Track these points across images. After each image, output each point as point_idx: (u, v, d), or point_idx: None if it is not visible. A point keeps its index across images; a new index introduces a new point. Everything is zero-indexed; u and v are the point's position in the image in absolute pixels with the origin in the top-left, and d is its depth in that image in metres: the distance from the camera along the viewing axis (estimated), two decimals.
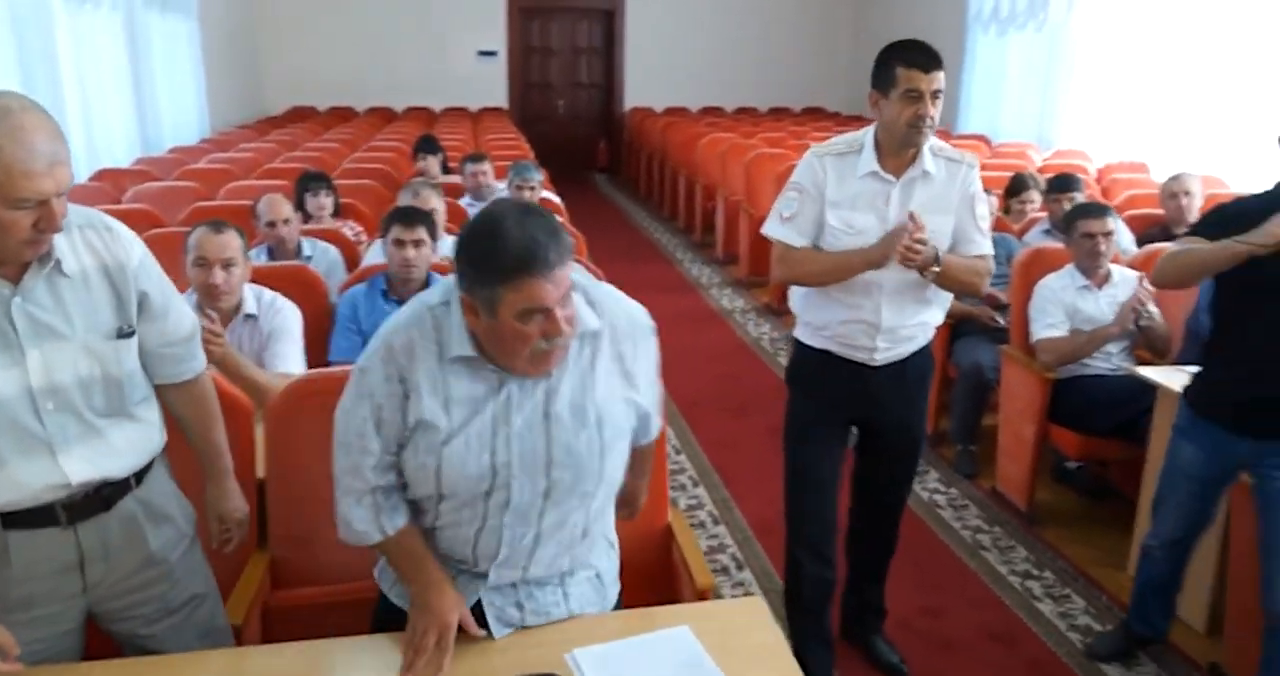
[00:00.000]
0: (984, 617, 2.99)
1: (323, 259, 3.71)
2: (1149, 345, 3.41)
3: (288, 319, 2.75)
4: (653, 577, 2.21)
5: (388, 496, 1.56)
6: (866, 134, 2.36)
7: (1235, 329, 2.33)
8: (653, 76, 12.07)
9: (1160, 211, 4.49)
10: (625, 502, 1.82)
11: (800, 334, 2.54)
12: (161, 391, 1.73)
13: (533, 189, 4.51)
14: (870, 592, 2.77)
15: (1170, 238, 4.19)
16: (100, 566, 1.62)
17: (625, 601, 1.76)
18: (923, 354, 2.52)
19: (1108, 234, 3.42)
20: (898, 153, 2.30)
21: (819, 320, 2.44)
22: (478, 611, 1.59)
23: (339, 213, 4.55)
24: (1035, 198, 4.75)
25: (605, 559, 1.72)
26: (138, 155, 6.94)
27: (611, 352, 1.53)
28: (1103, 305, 3.42)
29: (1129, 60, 7.26)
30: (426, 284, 3.12)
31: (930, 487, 3.87)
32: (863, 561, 2.75)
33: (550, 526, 1.55)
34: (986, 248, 2.42)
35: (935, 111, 2.24)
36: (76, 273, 1.52)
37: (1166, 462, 2.55)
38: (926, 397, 2.64)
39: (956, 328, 4.08)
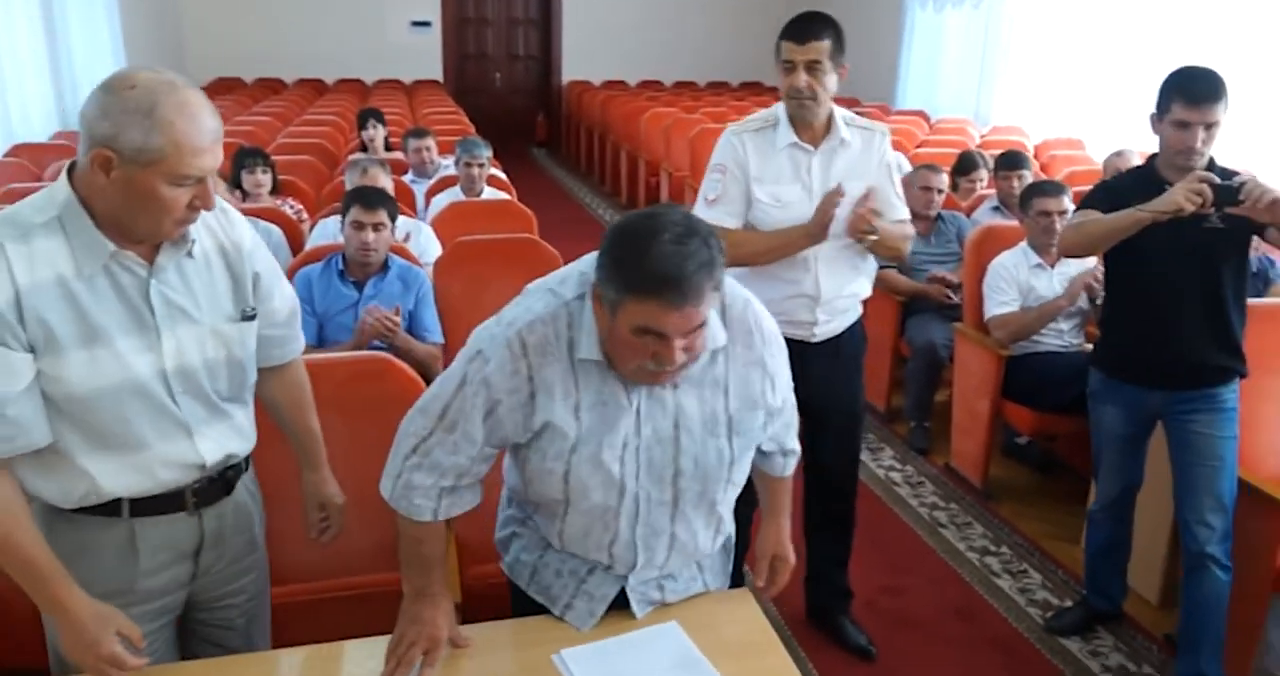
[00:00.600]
0: (945, 594, 3.02)
1: (265, 239, 3.56)
2: (1098, 320, 3.46)
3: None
4: None
5: (465, 486, 1.51)
6: (779, 108, 2.42)
7: (1128, 293, 2.49)
8: (591, 49, 11.91)
9: None
10: (772, 556, 1.74)
11: None
12: (260, 376, 1.65)
13: (481, 166, 4.40)
14: (835, 576, 2.77)
15: None
16: (212, 553, 1.60)
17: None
18: (855, 329, 2.58)
19: (1063, 212, 3.45)
20: (809, 124, 2.37)
21: (759, 299, 2.36)
22: (619, 597, 1.57)
23: (277, 190, 4.38)
24: (984, 176, 4.79)
25: (731, 524, 1.67)
26: (55, 129, 6.62)
27: (747, 359, 1.49)
28: (1055, 284, 3.46)
29: (1062, 37, 7.37)
30: (385, 266, 3.02)
31: (886, 464, 3.90)
32: (824, 547, 2.75)
33: (683, 531, 1.54)
34: (905, 212, 2.53)
35: (816, 82, 2.29)
36: (200, 255, 1.49)
37: (1094, 429, 2.66)
38: (862, 374, 2.68)
39: (910, 306, 4.11)
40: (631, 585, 1.57)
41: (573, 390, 1.42)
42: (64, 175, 1.40)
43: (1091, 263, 3.41)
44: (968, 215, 4.47)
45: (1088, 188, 4.76)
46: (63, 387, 1.37)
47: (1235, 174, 2.24)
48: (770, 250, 2.37)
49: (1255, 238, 2.35)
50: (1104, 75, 6.97)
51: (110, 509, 1.47)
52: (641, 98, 10.08)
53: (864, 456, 3.83)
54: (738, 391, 1.49)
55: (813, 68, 2.29)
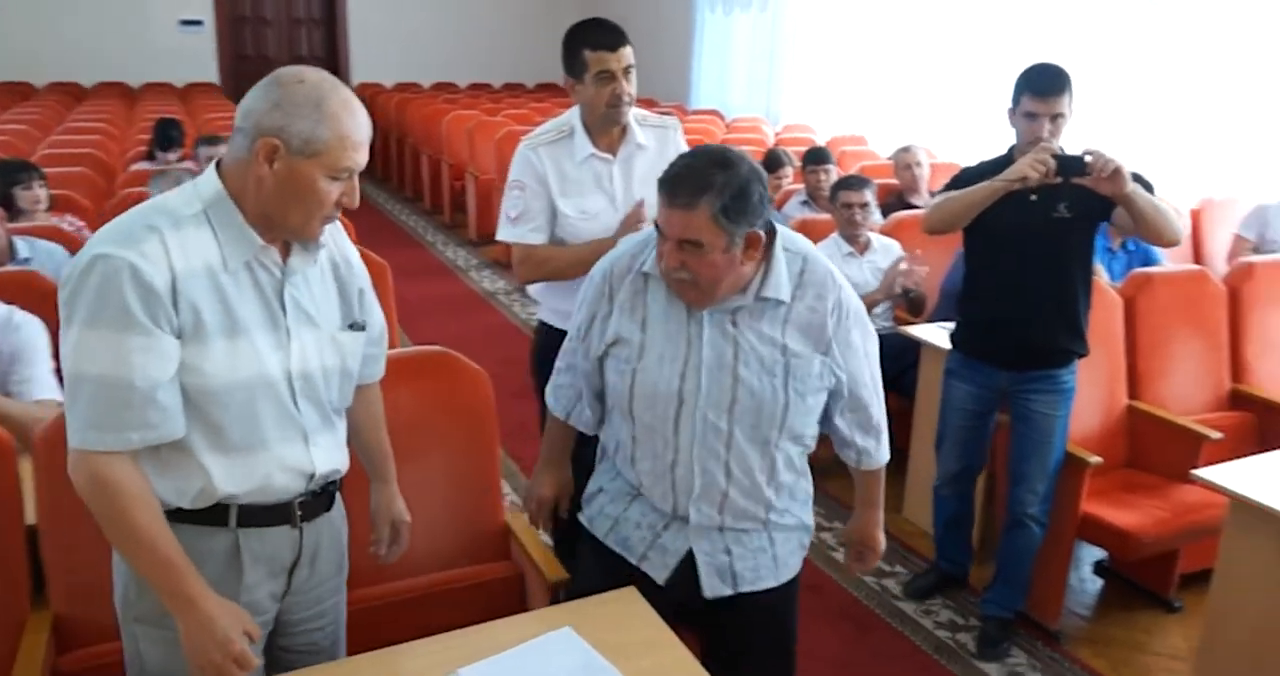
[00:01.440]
0: None
1: (48, 260, 3.22)
2: (909, 306, 3.73)
3: (32, 335, 2.37)
4: (495, 583, 2.12)
5: (586, 402, 1.83)
6: (573, 116, 2.39)
7: (984, 278, 2.67)
8: (380, 50, 11.55)
9: (894, 181, 4.90)
10: (860, 544, 1.95)
11: (547, 317, 2.49)
12: None
13: None
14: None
15: (907, 205, 4.62)
16: (306, 569, 1.57)
17: (473, 616, 1.66)
18: None
19: (864, 204, 3.70)
20: (607, 131, 2.37)
21: (566, 306, 2.32)
22: (690, 569, 1.70)
23: (52, 206, 3.98)
24: (790, 173, 5.02)
25: (807, 515, 1.81)
26: None
27: (809, 319, 1.63)
28: (865, 271, 3.70)
29: (842, 39, 7.86)
30: None
31: None
32: None
33: (739, 468, 1.65)
34: None
35: (631, 87, 2.31)
36: (317, 263, 1.51)
37: (943, 404, 2.85)
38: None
39: None
40: (696, 535, 1.69)
41: (640, 305, 1.66)
42: (213, 173, 1.42)
43: (898, 252, 3.66)
44: (778, 210, 4.69)
45: (880, 182, 5.13)
46: (201, 379, 1.37)
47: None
48: (578, 264, 2.23)
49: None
50: (881, 76, 7.50)
51: (218, 517, 1.45)
52: (438, 100, 9.87)
53: None
54: (795, 341, 1.62)
55: (629, 72, 2.31)
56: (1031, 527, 2.68)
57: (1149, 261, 3.71)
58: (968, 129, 6.68)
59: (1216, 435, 2.88)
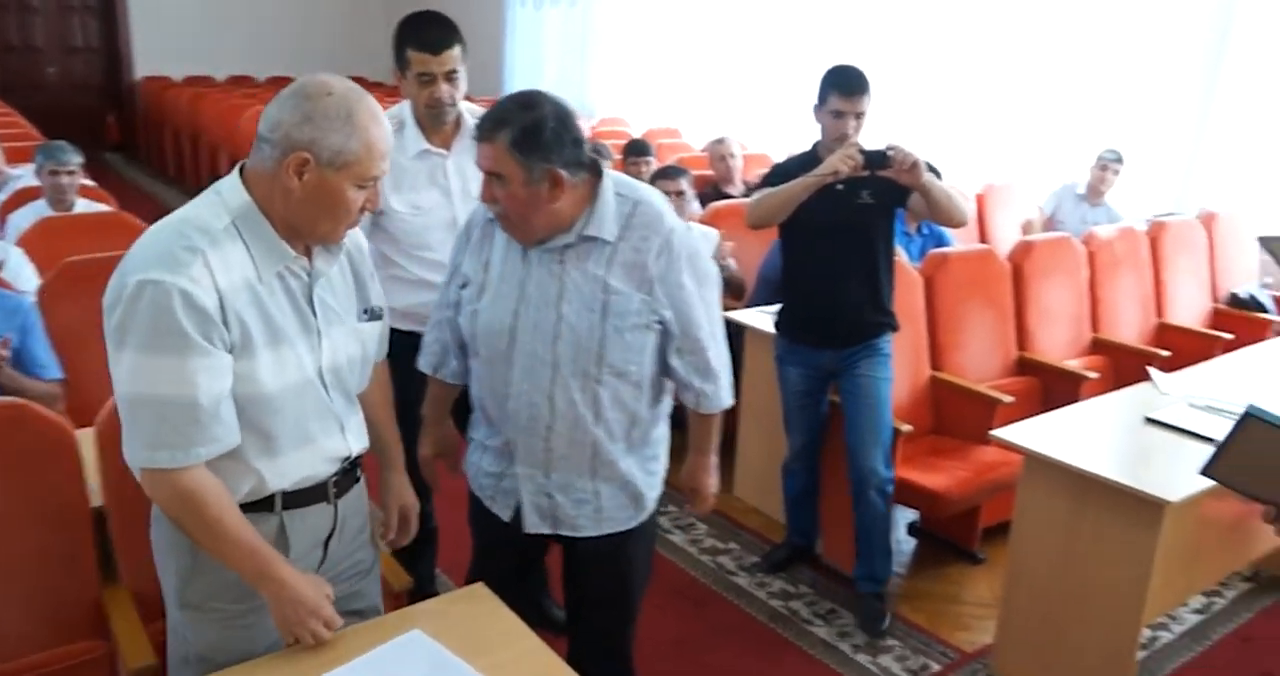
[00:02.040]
0: None
1: None
2: (730, 292, 3.86)
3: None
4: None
5: (453, 352, 1.92)
6: (404, 110, 2.37)
7: (800, 265, 2.83)
8: (167, 41, 10.75)
9: (710, 172, 5.05)
10: (689, 488, 2.03)
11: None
12: None
13: (71, 174, 3.84)
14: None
15: (722, 196, 4.76)
16: (338, 540, 1.63)
17: None
18: None
19: (680, 193, 3.81)
20: (439, 128, 2.36)
21: (402, 305, 2.32)
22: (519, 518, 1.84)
23: None
24: (608, 166, 5.07)
25: (643, 474, 1.87)
26: None
27: (634, 258, 1.71)
28: None
29: (654, 33, 8.01)
30: None
31: None
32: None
33: (562, 399, 1.74)
34: None
35: (457, 88, 2.30)
36: (338, 256, 1.55)
37: (781, 388, 2.98)
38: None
39: None
40: (524, 482, 1.81)
41: (486, 248, 1.79)
42: (236, 180, 1.43)
43: (715, 238, 3.78)
44: None
45: (698, 172, 5.26)
46: (254, 387, 1.42)
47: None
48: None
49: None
50: (693, 69, 7.70)
51: (266, 505, 1.51)
52: (236, 95, 9.33)
53: None
54: (618, 280, 1.71)
55: (451, 77, 2.27)
56: (875, 496, 2.83)
57: (941, 243, 3.99)
58: (776, 120, 6.98)
59: (1008, 399, 3.15)
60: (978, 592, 3.10)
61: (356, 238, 1.62)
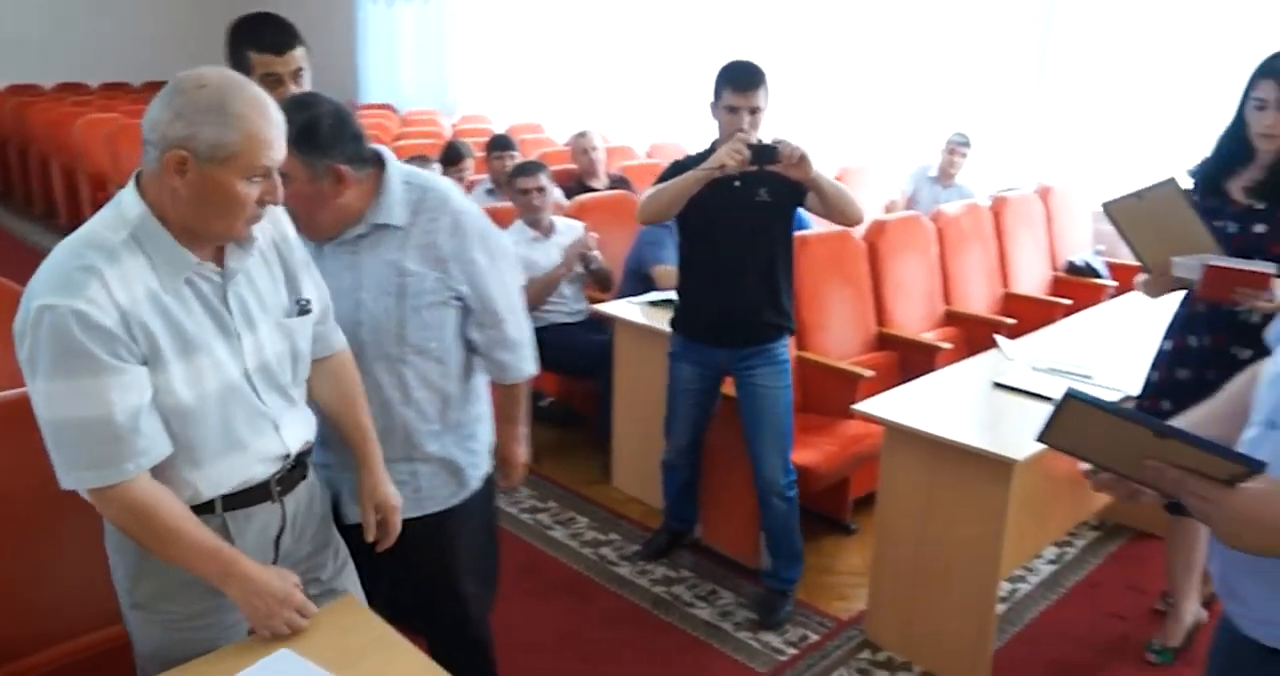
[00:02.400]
0: (508, 556, 3.17)
1: None
2: (597, 284, 3.87)
3: None
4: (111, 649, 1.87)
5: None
6: None
7: (697, 262, 2.81)
8: None
9: (573, 166, 5.05)
10: (500, 459, 2.08)
11: None
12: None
13: None
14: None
15: (586, 189, 4.77)
16: (290, 535, 1.62)
17: None
18: None
19: (540, 188, 3.79)
20: None
21: None
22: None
23: None
24: (470, 164, 5.02)
25: (462, 452, 1.92)
26: None
27: (424, 240, 1.77)
28: (552, 253, 3.79)
29: (512, 28, 7.96)
30: None
31: None
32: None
33: (369, 384, 1.76)
34: None
35: (300, 89, 2.20)
36: (256, 252, 1.51)
37: (670, 385, 2.96)
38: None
39: None
40: (341, 470, 1.82)
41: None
42: (132, 190, 1.39)
43: (580, 231, 3.79)
44: None
45: (559, 167, 5.25)
46: (171, 398, 1.40)
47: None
48: None
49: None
50: (553, 64, 7.68)
51: (205, 508, 1.49)
52: (66, 103, 8.78)
53: None
54: (413, 262, 1.76)
55: (298, 77, 2.18)
56: (779, 502, 2.87)
57: (800, 226, 4.10)
58: (639, 113, 7.04)
59: (869, 373, 3.26)
60: (851, 562, 3.21)
61: (283, 227, 1.59)
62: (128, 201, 1.38)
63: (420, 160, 4.31)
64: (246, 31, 2.16)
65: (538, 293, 3.70)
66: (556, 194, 4.24)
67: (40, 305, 1.30)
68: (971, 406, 2.70)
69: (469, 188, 4.84)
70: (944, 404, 2.70)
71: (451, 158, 4.99)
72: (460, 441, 1.93)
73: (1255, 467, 1.06)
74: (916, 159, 5.32)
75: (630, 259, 3.84)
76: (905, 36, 5.61)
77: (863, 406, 2.67)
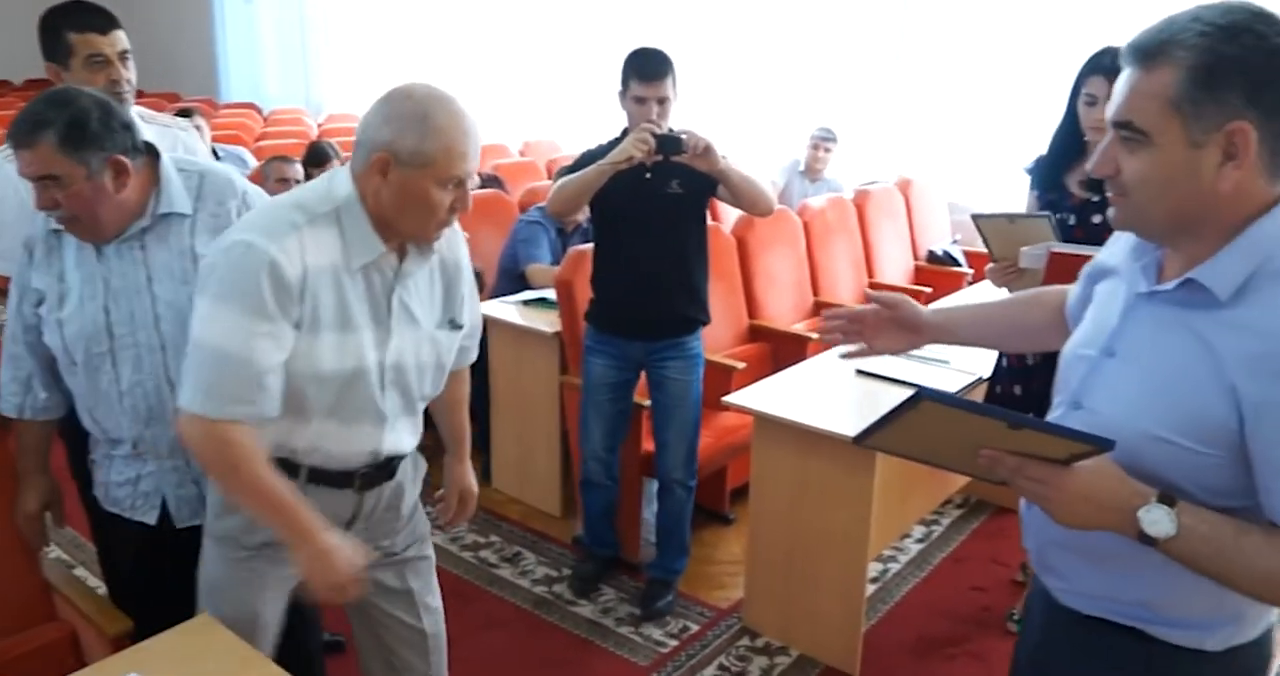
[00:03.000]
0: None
1: None
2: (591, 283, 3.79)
3: None
4: (46, 649, 1.86)
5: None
6: None
7: (610, 254, 2.79)
8: None
9: None
10: None
11: None
12: None
13: None
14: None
15: None
16: (361, 524, 1.69)
17: None
18: None
19: None
20: None
21: None
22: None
23: None
24: (336, 165, 4.87)
25: None
26: None
27: (213, 225, 1.74)
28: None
29: (381, 24, 7.78)
30: None
31: None
32: None
33: (177, 380, 1.66)
34: None
35: (130, 73, 2.18)
36: (430, 264, 1.61)
37: (585, 382, 2.90)
38: None
39: None
40: (164, 475, 1.78)
41: (56, 260, 1.74)
42: (347, 175, 1.50)
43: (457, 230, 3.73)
44: None
45: None
46: (310, 364, 1.49)
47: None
48: None
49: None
50: (428, 59, 7.54)
51: (290, 471, 1.56)
52: None
53: None
54: (204, 246, 1.71)
55: (124, 58, 2.14)
56: (680, 492, 2.89)
57: None
58: (519, 109, 6.98)
59: (740, 365, 3.32)
60: (730, 551, 3.27)
61: (459, 255, 1.68)
62: (339, 182, 1.51)
63: (282, 160, 4.17)
64: (63, 14, 2.10)
65: None
66: None
67: (240, 239, 1.44)
68: (836, 394, 2.78)
69: None
70: (810, 393, 2.77)
71: (316, 159, 4.82)
72: None
73: (1105, 446, 1.05)
74: (788, 153, 5.44)
75: (504, 258, 3.81)
76: (775, 34, 5.73)
77: (733, 398, 2.72)
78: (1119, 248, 1.25)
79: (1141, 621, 1.18)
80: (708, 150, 2.48)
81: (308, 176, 4.73)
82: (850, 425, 2.53)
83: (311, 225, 1.47)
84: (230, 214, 1.78)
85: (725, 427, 3.28)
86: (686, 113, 2.68)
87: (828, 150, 5.10)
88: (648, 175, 2.60)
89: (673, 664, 2.68)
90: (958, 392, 2.68)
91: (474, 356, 1.89)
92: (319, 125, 7.38)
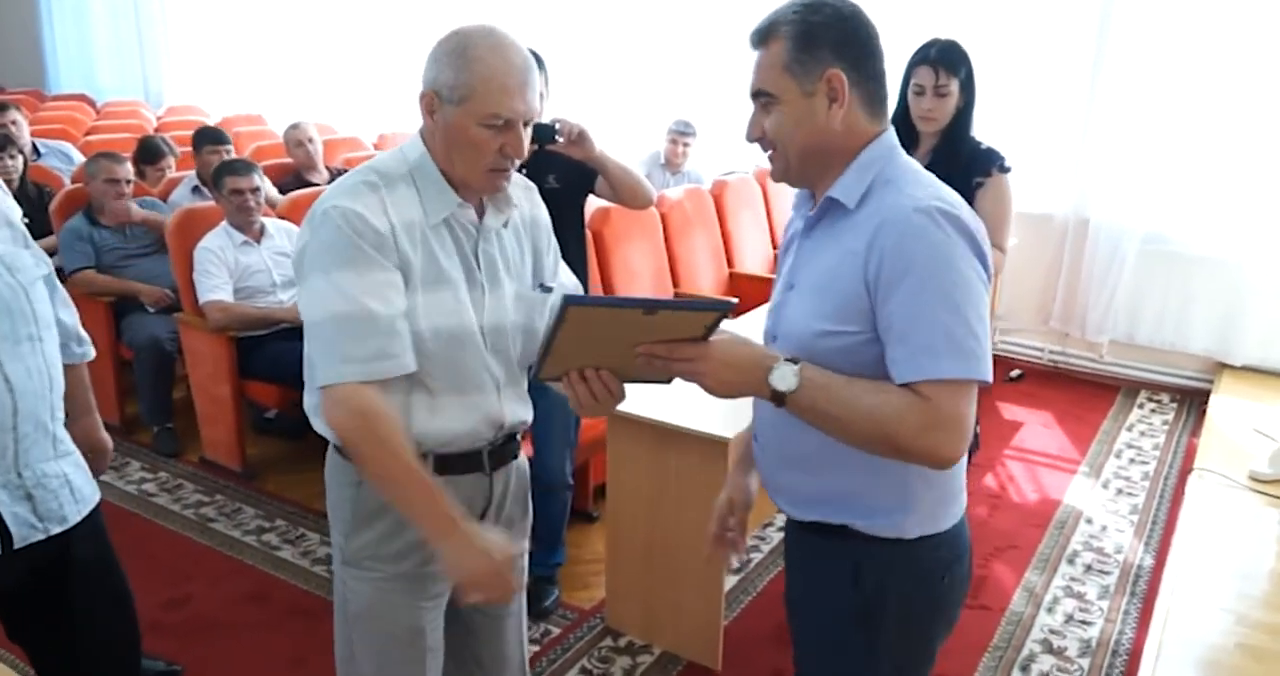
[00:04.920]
0: (235, 586, 2.96)
1: None
2: None
3: None
4: None
5: None
6: None
7: None
8: None
9: (289, 160, 4.75)
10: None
11: None
12: None
13: None
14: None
15: (304, 183, 4.51)
16: (494, 516, 1.62)
17: None
18: None
19: (255, 189, 3.52)
20: None
21: None
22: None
23: None
24: (171, 163, 4.61)
25: (74, 468, 1.72)
26: None
27: (7, 218, 1.64)
28: (265, 257, 3.54)
29: (227, 11, 7.40)
30: None
31: (135, 479, 3.62)
32: None
33: (18, 376, 1.55)
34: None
35: None
36: (511, 224, 1.57)
37: None
38: None
39: (119, 306, 3.81)
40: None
41: None
42: (418, 138, 1.49)
43: (293, 235, 3.55)
44: (164, 200, 4.27)
45: (275, 161, 4.94)
46: (411, 323, 1.43)
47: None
48: None
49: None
50: (277, 51, 7.21)
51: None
52: None
53: (109, 477, 3.51)
54: (4, 242, 1.60)
55: None
56: (562, 494, 2.82)
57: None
58: (368, 102, 6.75)
59: None
60: (595, 549, 3.22)
61: (537, 212, 1.63)
62: (410, 145, 1.50)
63: (108, 159, 3.89)
64: None
65: (255, 321, 3.45)
66: (270, 192, 3.97)
67: (326, 206, 1.42)
68: (691, 388, 2.74)
69: (169, 188, 4.42)
70: (663, 388, 2.73)
71: (148, 155, 4.55)
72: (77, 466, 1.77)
73: (726, 306, 1.21)
74: (648, 146, 5.43)
75: None
76: (631, 25, 5.71)
77: None
78: (791, 217, 1.48)
79: (847, 516, 1.37)
80: (582, 136, 2.42)
81: (139, 174, 4.44)
82: (699, 419, 2.51)
83: (390, 187, 1.44)
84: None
85: (588, 423, 3.22)
86: (548, 107, 2.61)
87: (686, 144, 5.10)
88: (523, 171, 2.52)
89: (534, 669, 2.62)
90: None
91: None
92: (158, 118, 6.96)
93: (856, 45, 1.28)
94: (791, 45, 1.27)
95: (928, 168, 1.35)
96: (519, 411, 1.62)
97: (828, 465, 1.36)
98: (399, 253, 1.42)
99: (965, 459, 1.32)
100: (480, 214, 1.52)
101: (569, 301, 1.14)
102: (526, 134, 1.43)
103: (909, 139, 2.51)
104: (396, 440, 1.40)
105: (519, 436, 1.66)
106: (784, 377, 1.22)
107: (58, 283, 1.80)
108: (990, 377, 1.23)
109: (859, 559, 1.38)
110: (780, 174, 1.37)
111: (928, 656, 1.48)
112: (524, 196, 1.62)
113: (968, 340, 1.20)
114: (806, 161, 1.32)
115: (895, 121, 2.53)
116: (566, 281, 1.71)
